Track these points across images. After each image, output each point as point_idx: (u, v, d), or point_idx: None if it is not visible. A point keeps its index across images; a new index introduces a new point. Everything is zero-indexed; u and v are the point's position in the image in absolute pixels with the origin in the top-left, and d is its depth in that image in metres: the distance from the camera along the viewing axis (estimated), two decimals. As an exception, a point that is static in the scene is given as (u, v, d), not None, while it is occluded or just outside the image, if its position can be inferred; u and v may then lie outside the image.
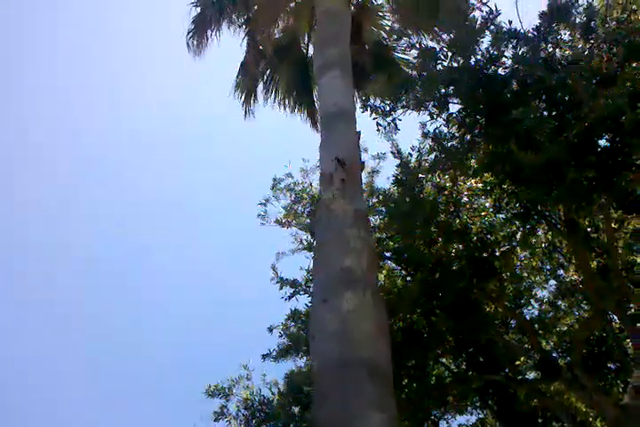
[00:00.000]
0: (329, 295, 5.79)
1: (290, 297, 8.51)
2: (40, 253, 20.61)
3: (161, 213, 23.34)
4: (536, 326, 11.19)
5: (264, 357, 8.07)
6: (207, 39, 12.02)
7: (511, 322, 10.99)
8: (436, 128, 7.27)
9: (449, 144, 7.05)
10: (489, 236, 7.93)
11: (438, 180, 8.04)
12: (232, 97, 13.07)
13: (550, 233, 10.47)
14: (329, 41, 9.44)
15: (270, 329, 8.49)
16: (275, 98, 13.40)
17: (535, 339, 9.86)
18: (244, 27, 12.69)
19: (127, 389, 20.04)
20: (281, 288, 8.55)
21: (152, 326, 21.48)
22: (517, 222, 7.83)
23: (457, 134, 6.92)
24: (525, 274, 10.88)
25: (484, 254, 7.65)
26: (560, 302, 11.63)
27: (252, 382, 8.36)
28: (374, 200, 9.59)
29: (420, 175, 7.78)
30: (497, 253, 7.80)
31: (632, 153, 5.77)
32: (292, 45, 13.10)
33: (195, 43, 11.71)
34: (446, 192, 7.92)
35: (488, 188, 7.34)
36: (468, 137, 6.97)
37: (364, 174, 10.12)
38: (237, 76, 12.94)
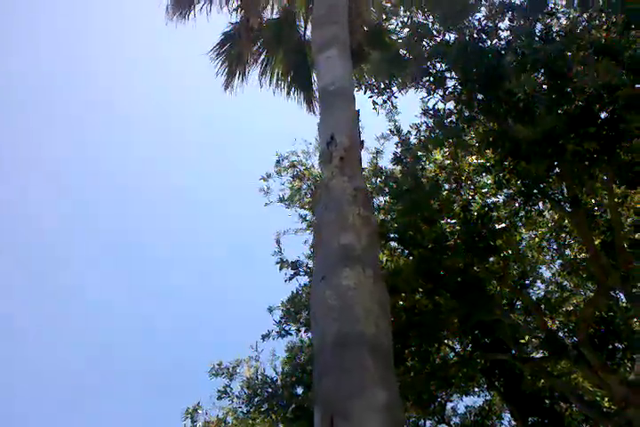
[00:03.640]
0: (328, 273, 5.71)
1: (290, 278, 8.47)
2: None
3: (158, 198, 23.24)
4: (542, 306, 11.16)
5: (264, 337, 8.04)
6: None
7: (517, 302, 10.96)
8: (434, 105, 7.15)
9: (447, 120, 6.93)
10: (490, 213, 7.84)
11: (438, 157, 7.94)
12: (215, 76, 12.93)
13: (554, 211, 10.44)
14: (326, 20, 9.34)
15: (270, 310, 8.46)
16: (270, 81, 13.27)
17: (541, 318, 9.81)
18: (236, 6, 12.63)
19: (132, 367, 20.09)
20: (280, 269, 8.52)
21: (156, 308, 21.47)
22: (519, 200, 7.73)
23: (455, 110, 6.81)
24: (530, 253, 10.83)
25: (484, 231, 7.55)
26: (566, 283, 11.57)
27: (258, 362, 8.39)
28: (379, 181, 9.48)
29: (420, 153, 7.69)
30: (497, 231, 7.69)
31: (631, 124, 5.66)
32: (287, 26, 12.98)
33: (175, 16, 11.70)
34: (447, 170, 7.83)
35: (488, 164, 7.24)
36: (467, 113, 6.86)
37: (368, 155, 10.06)
38: (219, 52, 12.79)
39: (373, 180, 9.44)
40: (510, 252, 8.01)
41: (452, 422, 12.78)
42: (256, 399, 7.61)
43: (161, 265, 22.04)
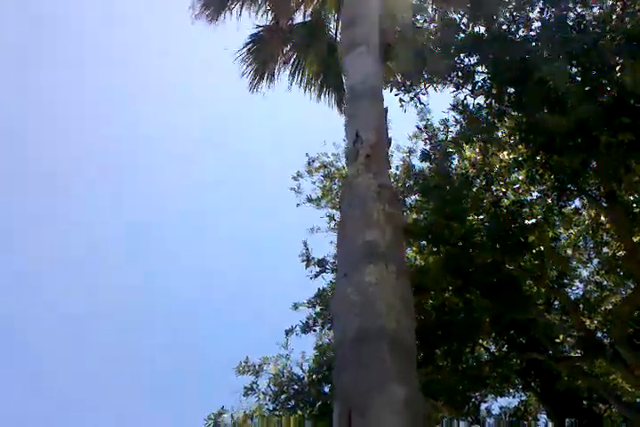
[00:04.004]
0: (350, 269, 5.70)
1: (316, 276, 8.46)
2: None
3: (182, 196, 23.45)
4: (581, 305, 10.88)
5: (287, 332, 8.05)
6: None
7: (554, 302, 10.72)
8: (464, 99, 7.04)
9: (477, 115, 6.81)
10: (521, 209, 7.66)
11: (468, 153, 7.81)
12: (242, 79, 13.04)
13: (591, 208, 10.16)
14: (355, 19, 9.35)
15: (296, 306, 8.46)
16: (300, 83, 13.31)
17: (578, 318, 9.57)
18: (265, 8, 12.71)
19: (159, 364, 20.33)
20: (307, 267, 8.51)
21: (183, 305, 21.68)
22: (553, 195, 7.54)
23: (484, 105, 6.69)
24: (566, 252, 10.58)
25: (514, 227, 7.38)
26: (605, 282, 11.27)
27: (289, 359, 8.41)
28: (411, 182, 9.39)
29: (450, 149, 7.58)
30: (528, 227, 7.51)
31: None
32: (318, 28, 12.99)
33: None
34: (477, 166, 7.69)
35: (520, 159, 7.08)
36: (497, 107, 6.72)
37: (400, 155, 9.97)
38: (248, 53, 12.88)
39: (405, 179, 9.37)
40: (543, 248, 7.80)
41: (486, 424, 12.58)
42: (282, 396, 7.63)
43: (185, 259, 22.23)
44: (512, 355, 9.05)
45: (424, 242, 8.03)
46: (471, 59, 6.60)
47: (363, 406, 4.61)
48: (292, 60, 13.56)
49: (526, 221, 7.52)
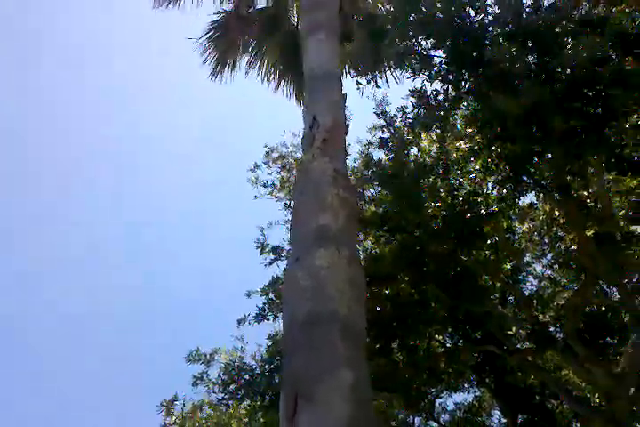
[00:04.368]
0: (302, 254, 5.55)
1: (270, 263, 8.27)
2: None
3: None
4: (535, 301, 10.96)
5: (240, 322, 7.83)
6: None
7: (509, 296, 10.76)
8: (422, 86, 6.95)
9: (434, 102, 6.73)
10: (476, 198, 7.62)
11: (425, 141, 7.74)
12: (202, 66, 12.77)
13: (545, 203, 10.24)
14: (315, 5, 9.24)
15: (248, 294, 8.25)
16: (259, 71, 13.12)
17: (531, 312, 9.61)
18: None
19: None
20: (261, 254, 8.31)
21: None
22: (508, 186, 7.52)
23: (441, 90, 6.62)
24: (522, 246, 10.63)
25: (470, 216, 7.32)
26: (559, 278, 11.38)
27: (244, 349, 8.20)
28: (369, 173, 9.26)
29: (407, 136, 7.49)
30: (484, 216, 7.47)
31: (619, 102, 5.45)
32: (279, 16, 12.83)
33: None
34: (433, 153, 7.63)
35: (476, 148, 7.03)
36: (454, 93, 6.66)
37: (359, 146, 9.84)
38: (209, 40, 12.63)
39: (363, 170, 9.25)
40: (497, 239, 7.78)
41: (441, 420, 12.58)
42: (232, 386, 7.42)
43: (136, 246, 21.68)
44: (466, 346, 8.99)
45: (380, 231, 7.92)
46: (428, 42, 6.51)
47: (310, 392, 4.45)
48: (252, 48, 13.36)
49: (482, 211, 7.47)
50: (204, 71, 13.12)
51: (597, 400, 9.38)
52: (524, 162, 6.82)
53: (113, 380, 18.91)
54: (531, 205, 10.39)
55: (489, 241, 7.70)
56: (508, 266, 10.52)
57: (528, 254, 11.11)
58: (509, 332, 8.64)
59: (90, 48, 22.85)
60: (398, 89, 8.01)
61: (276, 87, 13.21)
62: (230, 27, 12.93)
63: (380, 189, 8.09)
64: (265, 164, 10.53)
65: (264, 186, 9.44)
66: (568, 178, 7.73)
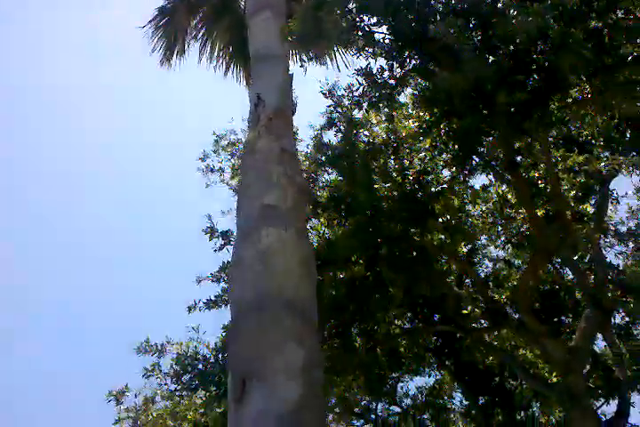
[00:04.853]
0: (248, 233, 5.42)
1: (220, 248, 8.07)
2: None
3: (90, 181, 22.32)
4: (490, 283, 11.06)
5: (190, 309, 7.62)
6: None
7: (464, 278, 10.82)
8: (368, 63, 6.84)
9: (379, 80, 6.64)
10: (426, 177, 7.58)
11: (374, 120, 7.66)
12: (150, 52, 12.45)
13: (497, 184, 10.33)
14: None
15: (199, 281, 8.05)
16: (210, 57, 12.86)
17: (486, 292, 9.67)
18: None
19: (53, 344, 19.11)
20: (210, 239, 8.11)
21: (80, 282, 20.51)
22: (457, 165, 7.50)
23: (386, 67, 6.52)
24: (476, 229, 10.70)
25: (420, 195, 7.28)
26: (515, 260, 11.51)
27: (197, 341, 8.00)
28: (321, 157, 9.13)
29: (356, 116, 7.40)
30: (434, 194, 7.43)
31: (563, 74, 5.45)
32: (227, 2, 12.58)
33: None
34: (382, 133, 7.55)
35: (424, 126, 6.98)
36: (398, 70, 6.57)
37: (311, 131, 9.69)
38: (156, 27, 12.31)
39: (318, 156, 9.12)
40: (449, 218, 7.76)
41: (403, 404, 12.60)
42: (186, 377, 7.23)
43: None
44: (424, 328, 8.98)
45: (332, 214, 7.81)
46: (372, 19, 6.40)
47: (257, 371, 4.31)
48: (201, 33, 13.08)
49: (432, 190, 7.43)
50: (153, 59, 12.78)
51: (554, 378, 9.50)
52: (473, 140, 6.78)
53: (59, 369, 18.32)
54: (484, 186, 10.49)
55: (441, 220, 7.65)
56: (465, 249, 10.59)
57: (483, 237, 11.20)
58: (465, 311, 8.66)
59: (35, 46, 22.10)
60: (348, 72, 7.88)
61: (225, 73, 13.00)
62: (177, 12, 12.62)
63: (332, 172, 7.97)
64: (214, 152, 10.29)
65: (212, 171, 9.22)
66: (516, 157, 7.75)
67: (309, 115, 10.94)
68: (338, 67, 10.73)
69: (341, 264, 7.62)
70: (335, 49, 9.42)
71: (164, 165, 22.03)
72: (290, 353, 4.38)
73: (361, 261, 8.02)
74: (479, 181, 11.50)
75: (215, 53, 12.93)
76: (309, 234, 8.34)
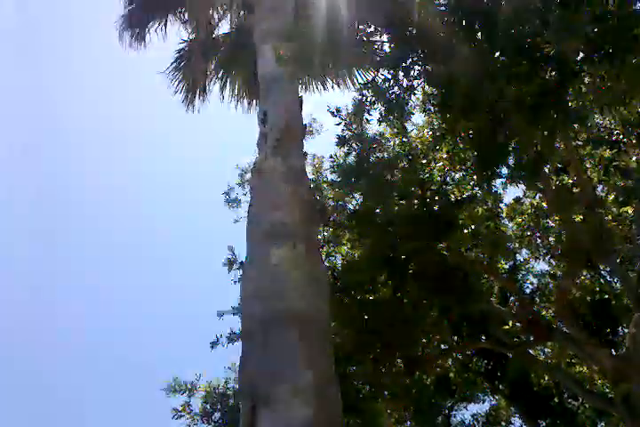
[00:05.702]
0: (256, 253, 5.23)
1: (240, 280, 7.84)
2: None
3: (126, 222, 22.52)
4: (537, 299, 10.52)
5: (213, 344, 7.37)
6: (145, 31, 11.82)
7: (510, 296, 10.33)
8: (374, 76, 6.70)
9: (389, 93, 6.47)
10: (446, 187, 7.26)
11: (387, 134, 7.44)
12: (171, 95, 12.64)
13: (532, 195, 9.91)
14: (270, 13, 9.19)
15: (221, 314, 7.82)
16: (231, 95, 13.01)
17: (531, 307, 9.16)
18: (185, 19, 12.45)
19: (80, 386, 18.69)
20: (229, 271, 7.94)
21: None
22: (477, 173, 7.16)
23: (389, 78, 6.35)
24: (514, 244, 10.26)
25: (441, 206, 6.93)
26: (555, 271, 10.96)
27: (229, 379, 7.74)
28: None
29: (368, 132, 7.21)
30: (455, 204, 7.08)
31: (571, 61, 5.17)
32: (242, 39, 12.76)
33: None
34: (396, 147, 7.31)
35: (438, 134, 6.73)
36: (404, 80, 6.40)
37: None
38: (176, 70, 12.54)
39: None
40: (474, 228, 7.38)
41: (459, 434, 11.94)
42: (216, 415, 6.94)
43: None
44: (463, 346, 8.50)
45: (352, 235, 7.53)
46: (369, 28, 6.28)
47: (267, 396, 4.04)
48: (221, 73, 13.28)
49: (452, 199, 7.09)
50: (175, 102, 12.99)
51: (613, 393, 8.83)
52: (492, 144, 6.48)
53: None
54: (517, 199, 10.09)
55: (466, 231, 7.28)
56: (506, 265, 10.14)
57: (524, 251, 10.73)
58: (506, 327, 8.16)
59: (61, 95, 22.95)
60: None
61: (248, 108, 13.06)
62: (195, 53, 12.87)
63: (348, 192, 7.74)
64: (239, 185, 10.21)
65: (237, 204, 9.07)
66: (542, 159, 7.38)
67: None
68: (343, 85, 10.70)
69: (367, 286, 7.31)
70: (342, 67, 9.34)
71: (192, 197, 22.11)
72: (299, 374, 4.10)
73: (389, 282, 7.69)
74: (511, 192, 11.03)
75: (236, 91, 13.06)
76: (334, 257, 8.11)
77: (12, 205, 20.03)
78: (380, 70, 6.60)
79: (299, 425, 3.79)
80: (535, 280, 11.19)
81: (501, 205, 9.39)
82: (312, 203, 6.01)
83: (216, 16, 13.22)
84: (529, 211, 10.18)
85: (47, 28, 21.85)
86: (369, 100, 6.77)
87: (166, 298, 21.07)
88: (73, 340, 19.41)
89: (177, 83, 12.96)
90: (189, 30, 13.04)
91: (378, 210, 6.89)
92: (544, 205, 9.74)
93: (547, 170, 8.41)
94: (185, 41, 12.87)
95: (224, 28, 13.07)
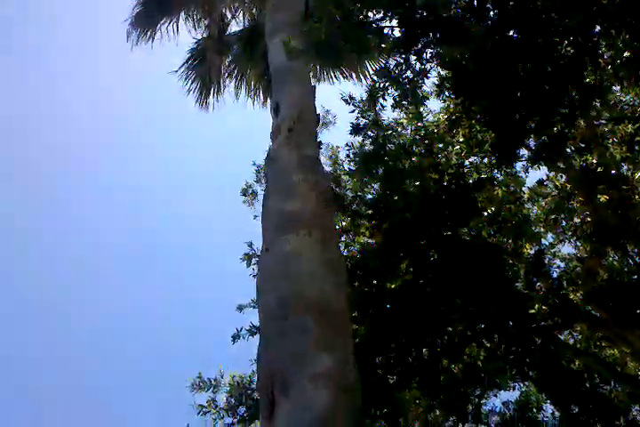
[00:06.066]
0: (271, 242, 5.21)
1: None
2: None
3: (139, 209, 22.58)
4: (564, 283, 10.33)
5: (234, 338, 7.36)
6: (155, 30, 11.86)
7: (536, 281, 10.16)
8: (386, 62, 6.60)
9: (403, 77, 6.37)
10: (463, 170, 7.12)
11: (402, 120, 7.34)
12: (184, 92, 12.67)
13: (554, 177, 9.72)
14: (280, 6, 9.19)
15: (240, 308, 7.82)
16: (246, 93, 13.03)
17: (558, 291, 8.98)
18: (200, 17, 12.48)
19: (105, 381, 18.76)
20: (248, 266, 7.93)
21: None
22: (496, 154, 7.02)
23: (401, 61, 6.25)
24: (539, 228, 10.09)
25: (457, 189, 6.80)
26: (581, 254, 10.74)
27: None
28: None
29: (383, 119, 7.13)
30: (473, 185, 6.95)
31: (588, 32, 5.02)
32: (256, 35, 12.74)
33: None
34: (410, 132, 7.22)
35: (454, 117, 6.61)
36: (416, 64, 6.29)
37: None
38: (189, 69, 12.57)
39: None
40: (493, 209, 7.25)
41: (491, 422, 11.80)
42: (242, 409, 6.95)
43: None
44: (488, 331, 8.38)
45: (370, 223, 7.45)
46: (377, 14, 6.17)
47: (283, 384, 4.01)
48: (236, 69, 13.27)
49: (469, 181, 6.97)
50: (189, 101, 13.04)
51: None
52: (508, 123, 6.34)
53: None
54: (540, 181, 9.90)
55: (486, 212, 7.15)
56: (531, 250, 9.98)
57: (550, 235, 10.54)
58: (532, 311, 8.02)
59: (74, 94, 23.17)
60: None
61: (264, 103, 13.06)
62: (209, 51, 12.88)
63: (364, 179, 7.65)
64: (256, 182, 10.17)
65: (253, 198, 9.03)
66: (562, 139, 7.21)
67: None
68: (356, 75, 10.63)
69: (386, 274, 7.23)
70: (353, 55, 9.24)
71: (211, 196, 22.10)
72: (316, 362, 4.07)
73: (410, 269, 7.60)
74: (533, 175, 10.85)
75: (252, 86, 13.07)
76: (353, 247, 8.04)
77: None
78: (391, 55, 6.53)
79: (318, 412, 3.76)
80: (562, 264, 11.05)
81: (524, 189, 9.29)
82: (327, 191, 5.97)
83: (229, 14, 13.27)
84: (552, 193, 10.01)
85: (53, 26, 22.03)
86: (381, 85, 6.69)
87: (185, 295, 21.13)
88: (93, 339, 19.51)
89: (190, 82, 13.04)
90: (202, 28, 13.10)
91: (395, 197, 6.78)
92: (568, 186, 9.56)
93: (568, 150, 8.27)
94: (197, 39, 12.94)
95: (237, 25, 13.17)
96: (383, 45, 6.49)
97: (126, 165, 22.10)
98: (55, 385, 17.33)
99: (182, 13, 12.51)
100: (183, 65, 12.93)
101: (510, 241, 9.02)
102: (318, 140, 6.98)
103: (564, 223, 10.27)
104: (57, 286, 19.22)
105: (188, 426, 7.20)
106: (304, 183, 5.69)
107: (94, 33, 22.67)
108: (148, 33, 12.56)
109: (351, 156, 7.51)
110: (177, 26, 12.91)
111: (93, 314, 19.50)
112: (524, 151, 7.81)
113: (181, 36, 13.02)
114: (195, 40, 12.94)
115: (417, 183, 6.76)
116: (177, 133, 22.29)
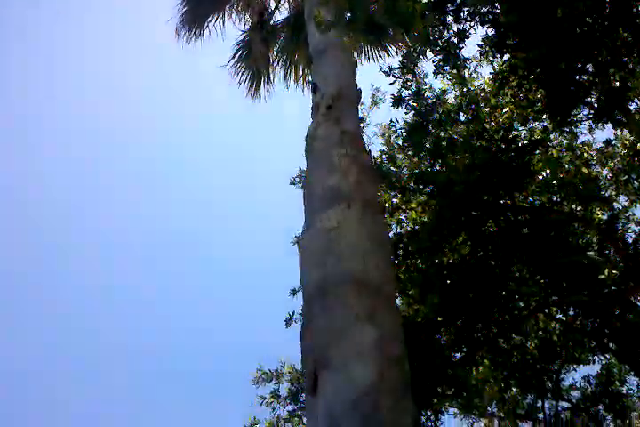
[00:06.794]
0: (312, 218, 5.12)
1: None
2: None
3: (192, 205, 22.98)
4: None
5: (287, 321, 7.31)
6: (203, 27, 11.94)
7: (609, 248, 9.62)
8: (424, 26, 6.36)
9: (439, 40, 6.13)
10: (512, 133, 6.75)
11: (442, 85, 7.05)
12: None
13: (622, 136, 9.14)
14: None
15: (294, 292, 7.76)
16: (296, 84, 12.96)
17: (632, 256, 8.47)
18: (243, 10, 12.48)
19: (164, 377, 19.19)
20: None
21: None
22: (550, 115, 6.63)
23: (439, 23, 6.00)
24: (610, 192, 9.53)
25: (510, 154, 6.44)
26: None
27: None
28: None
29: (424, 87, 6.85)
30: (526, 148, 6.56)
31: None
32: (301, 23, 12.61)
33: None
34: (454, 97, 6.91)
35: (500, 77, 6.28)
36: (455, 25, 6.03)
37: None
38: (239, 63, 12.58)
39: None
40: (550, 173, 6.84)
41: (571, 398, 11.35)
42: (302, 396, 6.95)
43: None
44: (557, 301, 8.00)
45: (420, 196, 7.22)
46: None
47: (327, 360, 3.92)
48: (284, 58, 13.22)
49: (520, 144, 6.60)
50: (240, 93, 13.09)
51: None
52: (561, 75, 5.94)
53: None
54: (607, 141, 9.35)
55: (541, 176, 6.77)
56: (603, 216, 9.46)
57: (623, 198, 9.95)
58: (602, 276, 7.58)
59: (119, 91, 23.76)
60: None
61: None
62: (255, 42, 12.86)
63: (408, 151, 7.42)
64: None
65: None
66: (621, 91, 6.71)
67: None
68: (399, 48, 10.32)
69: (441, 248, 7.00)
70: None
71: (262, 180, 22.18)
72: (359, 334, 3.94)
73: (468, 242, 7.33)
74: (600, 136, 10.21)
75: (300, 73, 13.01)
76: (405, 223, 7.83)
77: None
78: (426, 18, 6.27)
79: (361, 385, 3.65)
80: (637, 228, 10.42)
81: (591, 152, 8.80)
82: (369, 166, 5.81)
83: (273, 2, 13.20)
84: (621, 153, 9.44)
85: (97, 28, 22.63)
86: (418, 50, 6.46)
87: (236, 284, 21.38)
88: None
89: (239, 74, 13.09)
90: (247, 19, 13.09)
91: (444, 168, 6.53)
92: (638, 144, 8.98)
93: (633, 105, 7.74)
94: (244, 31, 12.95)
95: (281, 14, 13.11)
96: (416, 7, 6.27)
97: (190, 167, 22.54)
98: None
99: (227, 8, 12.56)
100: (232, 58, 12.99)
101: (579, 208, 8.59)
102: (360, 116, 6.82)
103: (635, 184, 9.69)
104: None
105: (255, 418, 7.31)
106: (344, 158, 5.56)
107: (137, 33, 23.13)
108: (196, 31, 12.67)
109: (398, 131, 7.29)
110: (223, 22, 13.00)
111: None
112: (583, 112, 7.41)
113: (228, 32, 13.12)
114: (241, 32, 13.00)
115: (464, 152, 6.46)
116: (231, 128, 22.54)
